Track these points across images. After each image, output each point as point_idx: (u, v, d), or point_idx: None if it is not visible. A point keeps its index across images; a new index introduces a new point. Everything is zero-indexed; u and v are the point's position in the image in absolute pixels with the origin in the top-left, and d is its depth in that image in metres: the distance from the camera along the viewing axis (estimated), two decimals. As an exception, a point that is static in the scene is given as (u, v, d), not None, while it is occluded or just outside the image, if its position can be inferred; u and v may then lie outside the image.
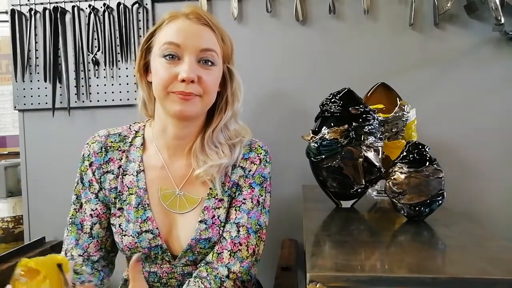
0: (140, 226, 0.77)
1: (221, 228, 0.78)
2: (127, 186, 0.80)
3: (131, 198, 0.79)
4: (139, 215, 0.78)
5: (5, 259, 1.09)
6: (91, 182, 0.81)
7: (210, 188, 0.79)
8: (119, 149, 0.82)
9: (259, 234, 0.79)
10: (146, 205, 0.78)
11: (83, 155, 0.82)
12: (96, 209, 0.81)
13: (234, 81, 0.81)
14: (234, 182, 0.80)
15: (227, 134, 0.81)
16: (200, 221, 0.78)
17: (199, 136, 0.80)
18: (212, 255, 0.77)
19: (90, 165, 0.81)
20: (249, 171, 0.81)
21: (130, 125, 0.87)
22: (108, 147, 0.82)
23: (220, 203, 0.79)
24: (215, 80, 0.76)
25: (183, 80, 0.70)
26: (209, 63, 0.74)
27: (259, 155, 0.82)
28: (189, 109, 0.73)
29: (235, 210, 0.79)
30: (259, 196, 0.81)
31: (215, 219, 0.78)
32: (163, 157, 0.81)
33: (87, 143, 0.83)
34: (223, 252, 0.76)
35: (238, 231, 0.77)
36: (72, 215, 0.82)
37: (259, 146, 0.84)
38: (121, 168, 0.81)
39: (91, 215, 0.80)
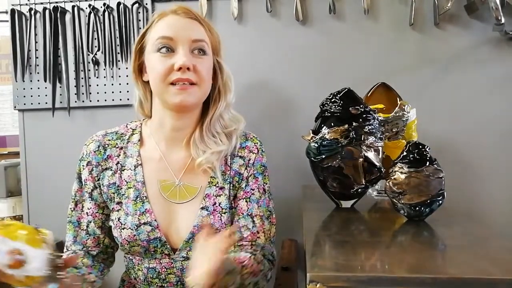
0: (138, 218, 0.78)
1: (223, 215, 0.80)
2: (125, 181, 0.82)
3: (130, 192, 0.81)
4: (138, 207, 0.79)
5: (5, 259, 1.08)
6: (86, 182, 0.83)
7: (212, 177, 0.82)
8: (117, 146, 0.85)
9: (270, 220, 0.84)
10: (144, 198, 0.80)
11: (81, 155, 0.85)
12: (91, 208, 0.83)
13: (224, 73, 0.85)
14: (236, 171, 0.84)
15: (222, 123, 0.85)
16: (202, 208, 0.80)
17: (198, 126, 0.83)
18: (234, 248, 0.79)
19: (87, 164, 0.83)
20: (249, 159, 0.85)
21: (127, 124, 0.90)
22: (106, 145, 0.84)
23: (221, 191, 0.82)
24: (208, 69, 0.81)
25: (179, 69, 0.74)
26: (202, 52, 0.78)
27: (255, 144, 0.87)
28: (189, 99, 0.76)
29: (246, 201, 0.83)
30: (264, 184, 0.86)
31: (216, 206, 0.80)
32: (161, 149, 0.84)
33: (85, 144, 0.85)
34: (243, 243, 0.79)
35: (253, 221, 0.81)
36: (69, 214, 0.84)
37: (253, 136, 0.89)
38: (119, 164, 0.83)
39: (87, 213, 0.83)
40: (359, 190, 0.82)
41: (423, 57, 1.19)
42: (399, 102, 0.97)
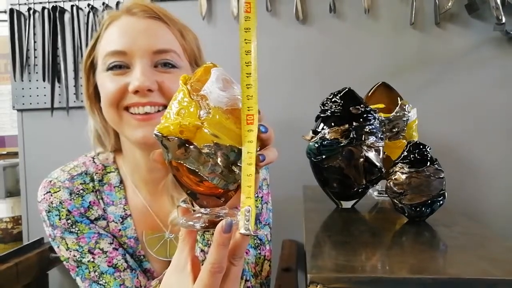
0: (144, 273, 0.69)
1: None
2: (114, 235, 0.67)
3: (125, 247, 0.68)
4: (138, 264, 0.68)
5: (3, 260, 1.08)
6: (83, 223, 0.65)
7: None
8: (94, 190, 0.67)
9: (259, 251, 0.68)
10: (142, 257, 0.68)
11: (48, 210, 0.65)
12: (112, 242, 0.66)
13: None
14: None
15: None
16: None
17: None
18: None
19: (70, 211, 0.64)
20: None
21: (93, 158, 0.71)
22: (81, 191, 0.66)
23: None
24: None
25: (136, 92, 0.56)
26: (169, 65, 0.59)
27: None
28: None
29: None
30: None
31: None
32: (143, 195, 0.68)
33: (43, 197, 0.66)
34: None
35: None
36: (89, 272, 0.63)
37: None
38: (106, 213, 0.67)
39: (114, 249, 0.65)
40: (360, 190, 0.81)
41: (423, 56, 1.19)
42: (399, 102, 0.96)
